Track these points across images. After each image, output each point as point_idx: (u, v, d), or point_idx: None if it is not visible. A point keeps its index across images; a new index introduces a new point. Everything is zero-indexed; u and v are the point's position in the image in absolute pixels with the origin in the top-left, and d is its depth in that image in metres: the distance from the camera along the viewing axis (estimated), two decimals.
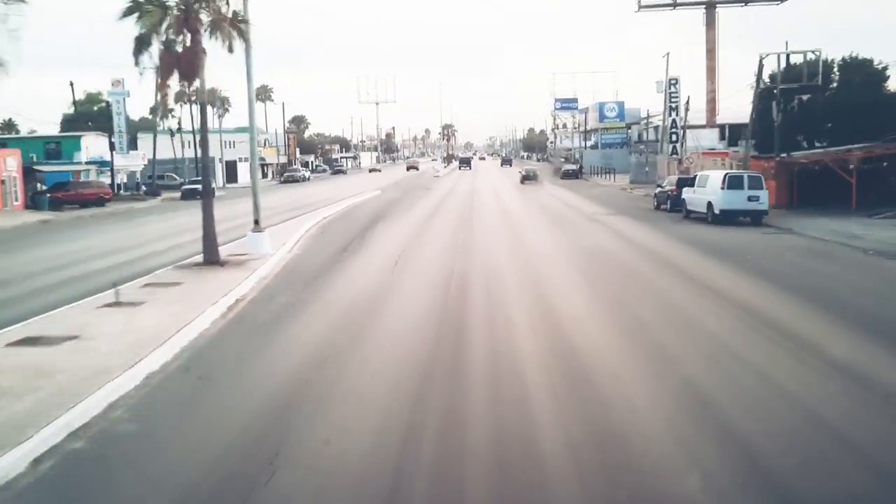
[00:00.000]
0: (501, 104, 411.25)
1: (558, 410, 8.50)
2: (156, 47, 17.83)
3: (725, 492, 6.59)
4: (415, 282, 16.94)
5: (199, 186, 62.90)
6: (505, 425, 8.07)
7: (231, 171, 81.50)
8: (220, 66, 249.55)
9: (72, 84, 66.74)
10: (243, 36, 18.99)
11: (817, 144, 39.07)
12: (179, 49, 17.87)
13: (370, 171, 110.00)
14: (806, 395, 8.97)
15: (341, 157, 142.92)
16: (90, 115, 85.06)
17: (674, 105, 45.62)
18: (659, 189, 36.91)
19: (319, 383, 9.61)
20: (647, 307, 14.05)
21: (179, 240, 26.39)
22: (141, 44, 17.71)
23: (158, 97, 30.17)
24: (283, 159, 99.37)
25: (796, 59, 39.59)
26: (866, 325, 12.26)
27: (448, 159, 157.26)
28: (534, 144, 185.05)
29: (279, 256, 20.54)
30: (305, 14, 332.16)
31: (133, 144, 75.09)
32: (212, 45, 18.06)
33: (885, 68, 38.53)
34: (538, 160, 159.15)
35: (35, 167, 53.04)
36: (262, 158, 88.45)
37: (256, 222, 20.98)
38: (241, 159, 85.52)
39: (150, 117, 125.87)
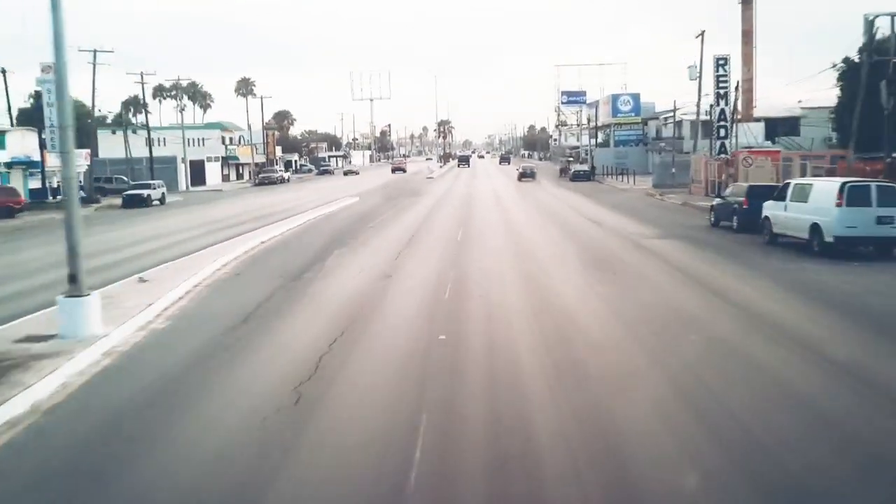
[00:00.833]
0: (501, 102, 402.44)
1: None
2: None
3: None
4: (351, 436, 7.63)
5: (144, 192, 54.35)
6: None
7: (197, 173, 72.20)
8: (218, 67, 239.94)
9: (3, 72, 57.26)
10: None
11: None
12: None
13: (345, 173, 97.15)
14: None
15: (329, 157, 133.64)
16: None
17: (722, 91, 36.33)
18: (719, 200, 27.69)
19: None
20: None
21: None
22: None
23: None
24: (263, 158, 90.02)
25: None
26: None
27: (445, 158, 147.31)
28: (535, 142, 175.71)
29: (111, 343, 11.26)
30: (303, 12, 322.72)
31: (86, 142, 65.59)
32: None
33: None
34: (540, 159, 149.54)
35: None
36: (234, 157, 79.24)
37: (73, 279, 11.52)
38: (210, 158, 76.21)
39: (122, 113, 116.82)
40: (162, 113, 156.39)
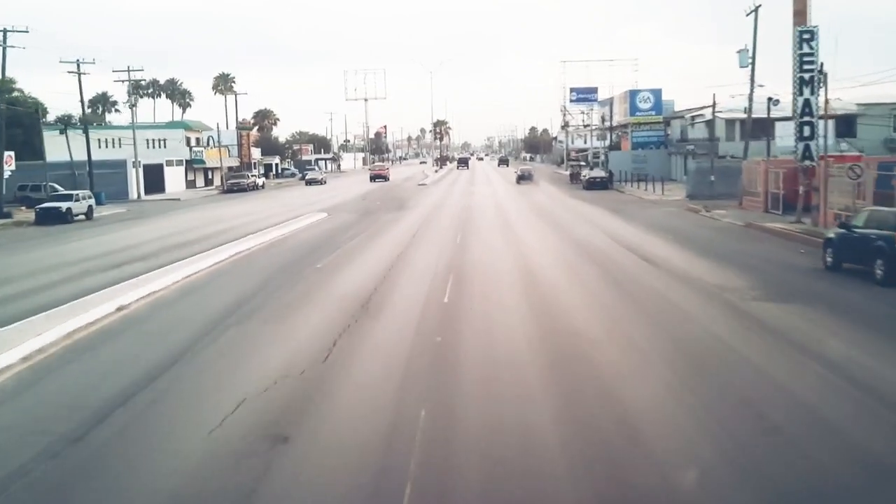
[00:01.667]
0: (501, 104, 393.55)
1: None
2: None
3: None
4: None
5: (63, 205, 44.79)
6: None
7: (154, 178, 62.78)
8: (206, 66, 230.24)
9: None
10: None
11: None
12: None
13: (307, 182, 77.04)
14: None
15: (318, 160, 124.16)
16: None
17: (807, 76, 26.81)
18: (841, 231, 18.28)
19: None
20: None
21: None
22: None
23: None
24: (237, 162, 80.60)
25: None
26: None
27: (441, 161, 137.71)
28: (538, 144, 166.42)
29: None
30: (295, 7, 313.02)
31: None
32: None
33: None
34: (542, 161, 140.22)
35: None
36: (200, 161, 69.87)
37: None
38: (170, 162, 66.75)
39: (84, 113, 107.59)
40: (138, 112, 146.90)
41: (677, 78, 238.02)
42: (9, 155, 49.52)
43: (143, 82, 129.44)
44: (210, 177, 74.78)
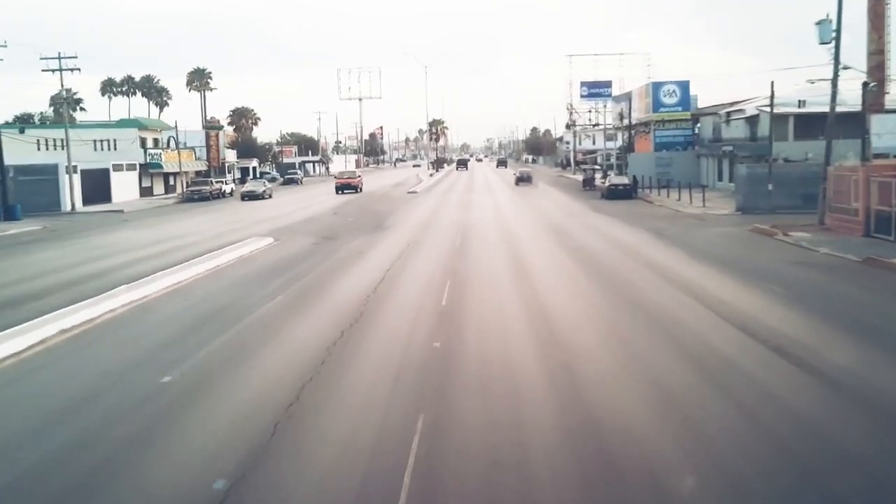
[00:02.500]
0: (501, 105, 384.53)
1: None
2: None
3: None
4: None
5: None
6: None
7: (98, 185, 53.62)
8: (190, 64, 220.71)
9: None
10: None
11: None
12: None
13: (243, 197, 55.28)
14: None
15: (305, 162, 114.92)
16: None
17: None
18: None
19: None
20: None
21: None
22: None
23: None
24: (205, 165, 71.36)
25: None
26: None
27: (437, 164, 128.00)
28: (540, 146, 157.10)
29: None
30: (287, 5, 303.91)
31: None
32: None
33: None
34: (546, 164, 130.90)
35: None
36: (157, 165, 60.67)
37: None
38: (119, 167, 57.56)
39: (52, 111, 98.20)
40: (112, 111, 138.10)
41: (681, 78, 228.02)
42: None
43: (116, 79, 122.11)
44: (172, 183, 65.52)
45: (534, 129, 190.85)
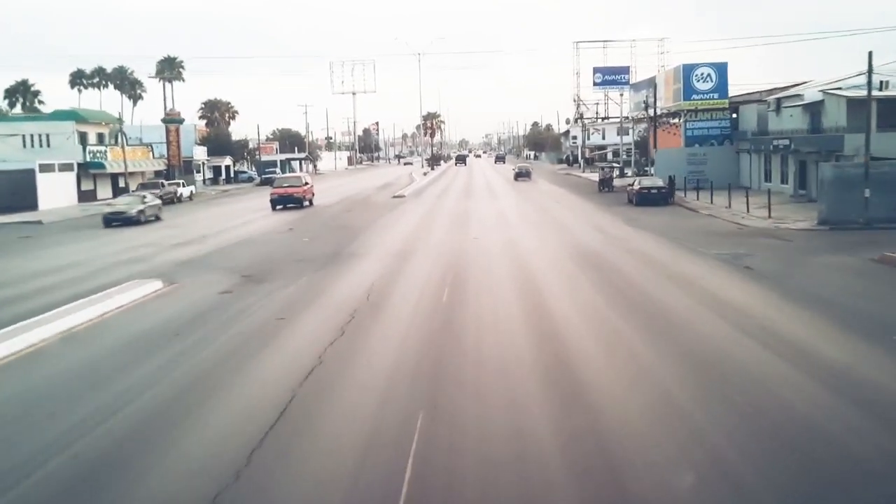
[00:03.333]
0: (499, 101, 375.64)
1: None
2: None
3: None
4: None
5: None
6: None
7: (19, 190, 44.54)
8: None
9: None
10: None
11: None
12: None
13: (106, 222, 36.00)
14: None
15: (289, 159, 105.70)
16: None
17: None
18: None
19: None
20: None
21: None
22: None
23: None
24: (164, 164, 62.07)
25: None
26: None
27: (433, 161, 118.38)
28: (543, 141, 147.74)
29: None
30: (298, 10, 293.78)
31: None
32: None
33: None
34: (552, 161, 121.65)
35: None
36: (98, 164, 51.52)
37: None
38: (49, 167, 48.37)
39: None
40: (82, 104, 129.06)
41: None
42: None
43: (86, 70, 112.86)
44: (123, 185, 56.33)
45: (535, 125, 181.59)
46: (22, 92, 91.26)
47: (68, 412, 9.28)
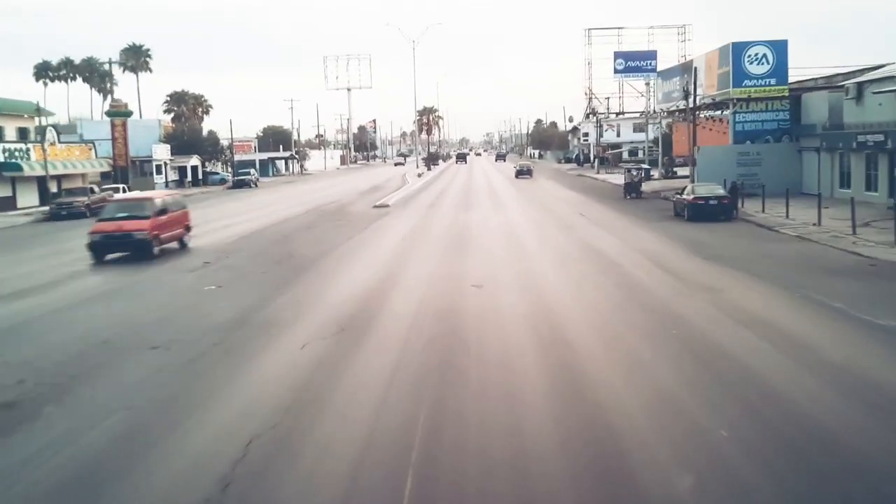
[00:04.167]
0: (501, 99, 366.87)
1: None
2: None
3: None
4: None
5: None
6: None
7: None
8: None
9: None
10: None
11: None
12: None
13: None
14: None
15: (272, 159, 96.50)
16: None
17: None
18: None
19: None
20: None
21: None
22: None
23: None
24: (109, 165, 52.71)
25: None
26: None
27: (429, 161, 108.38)
28: (549, 139, 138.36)
29: None
30: (297, 10, 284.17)
31: None
32: None
33: None
34: (560, 160, 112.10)
35: None
36: (14, 166, 42.36)
37: None
38: None
39: None
40: (47, 99, 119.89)
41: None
42: None
43: (52, 62, 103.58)
44: (58, 189, 46.86)
45: (538, 122, 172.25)
46: None
47: None
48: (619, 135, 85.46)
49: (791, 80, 40.27)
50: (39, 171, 42.88)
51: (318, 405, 8.86)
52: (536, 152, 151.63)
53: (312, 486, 6.77)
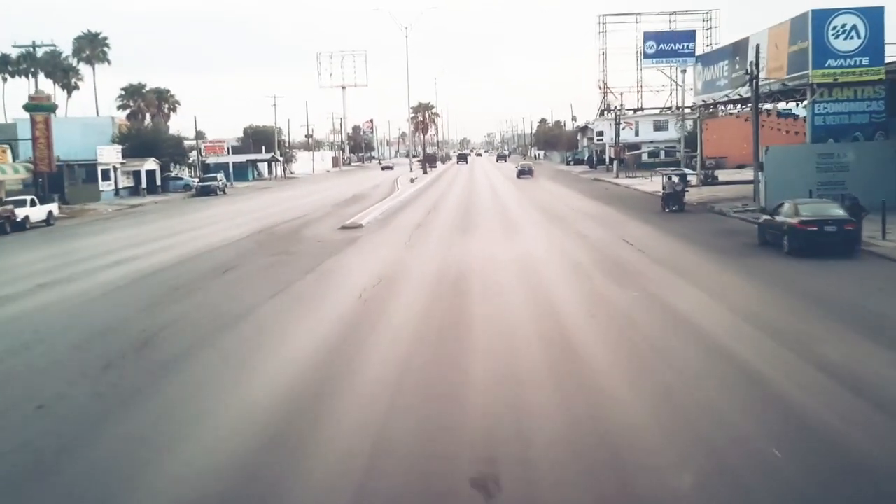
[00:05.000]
0: (502, 99, 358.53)
1: None
2: None
3: None
4: None
5: None
6: None
7: None
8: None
9: None
10: None
11: None
12: None
13: None
14: None
15: (253, 161, 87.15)
16: None
17: None
18: None
19: None
20: None
21: None
22: None
23: None
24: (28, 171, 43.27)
25: None
26: None
27: (427, 162, 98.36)
28: (555, 139, 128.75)
29: None
30: (297, 9, 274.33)
31: None
32: None
33: None
34: (569, 161, 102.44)
35: None
36: None
37: None
38: None
39: None
40: (7, 96, 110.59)
41: None
42: None
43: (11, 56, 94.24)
44: None
45: (542, 121, 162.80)
46: None
47: None
48: (637, 133, 75.92)
49: (888, 59, 30.78)
50: None
51: None
52: (542, 153, 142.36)
53: None
